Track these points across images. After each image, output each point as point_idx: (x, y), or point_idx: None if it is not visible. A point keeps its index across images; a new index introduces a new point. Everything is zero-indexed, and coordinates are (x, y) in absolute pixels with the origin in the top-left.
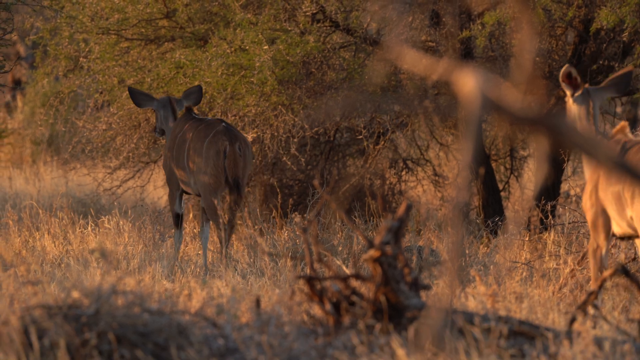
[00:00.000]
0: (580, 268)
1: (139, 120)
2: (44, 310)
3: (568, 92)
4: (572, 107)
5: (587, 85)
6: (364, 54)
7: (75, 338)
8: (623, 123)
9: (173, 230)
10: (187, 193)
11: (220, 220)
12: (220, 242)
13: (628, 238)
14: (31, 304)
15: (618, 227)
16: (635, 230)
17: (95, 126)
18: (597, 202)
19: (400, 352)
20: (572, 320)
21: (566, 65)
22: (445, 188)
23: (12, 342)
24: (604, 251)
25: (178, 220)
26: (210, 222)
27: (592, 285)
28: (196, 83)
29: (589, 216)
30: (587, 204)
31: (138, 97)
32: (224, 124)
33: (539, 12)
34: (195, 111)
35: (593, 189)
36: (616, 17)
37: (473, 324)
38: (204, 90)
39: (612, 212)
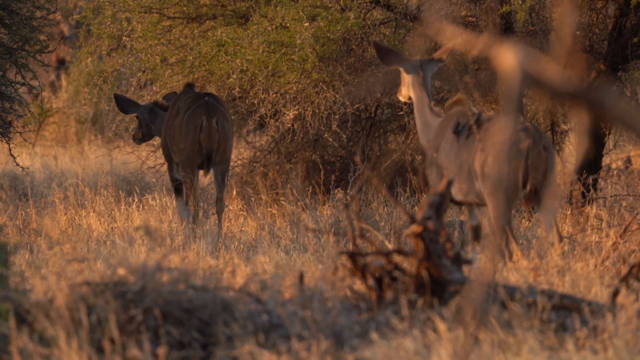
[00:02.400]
0: (622, 241)
1: None
2: (90, 287)
3: (399, 66)
4: (405, 76)
5: (418, 57)
6: (404, 29)
7: (121, 314)
8: (460, 94)
9: (188, 203)
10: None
11: (195, 194)
12: (194, 216)
13: (462, 204)
14: (78, 282)
15: (461, 195)
16: (480, 200)
17: None
18: (438, 168)
19: (442, 326)
20: (615, 293)
21: (373, 43)
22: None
23: (61, 319)
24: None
25: (178, 187)
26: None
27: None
28: (237, 61)
29: (430, 181)
30: (427, 168)
31: (123, 103)
32: (206, 97)
33: None
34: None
35: (434, 154)
36: None
37: (515, 298)
38: (245, 68)
39: (455, 182)
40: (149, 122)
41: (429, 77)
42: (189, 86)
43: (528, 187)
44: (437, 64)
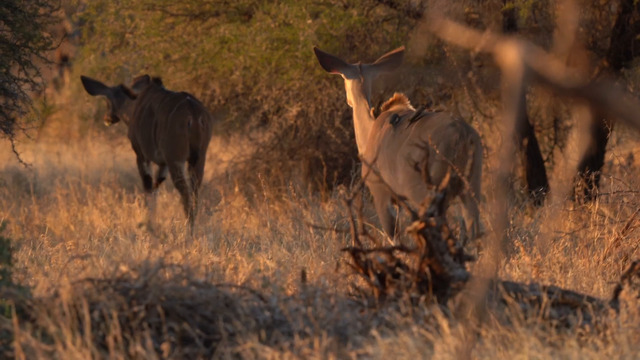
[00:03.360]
0: (625, 237)
1: None
2: (93, 283)
3: (339, 72)
4: (346, 82)
5: (359, 63)
6: (407, 26)
7: (124, 311)
8: (397, 94)
9: (147, 195)
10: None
11: (187, 189)
12: (186, 210)
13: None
14: (80, 278)
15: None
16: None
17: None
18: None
19: (444, 323)
20: (618, 289)
21: (314, 49)
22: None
23: (64, 315)
24: (389, 203)
25: (148, 182)
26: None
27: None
28: (240, 58)
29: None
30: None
31: (90, 85)
32: (188, 97)
33: None
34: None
35: (372, 153)
36: None
37: (517, 294)
38: (248, 65)
39: (385, 176)
40: (115, 105)
41: (369, 82)
42: (157, 81)
43: (457, 181)
44: (379, 70)
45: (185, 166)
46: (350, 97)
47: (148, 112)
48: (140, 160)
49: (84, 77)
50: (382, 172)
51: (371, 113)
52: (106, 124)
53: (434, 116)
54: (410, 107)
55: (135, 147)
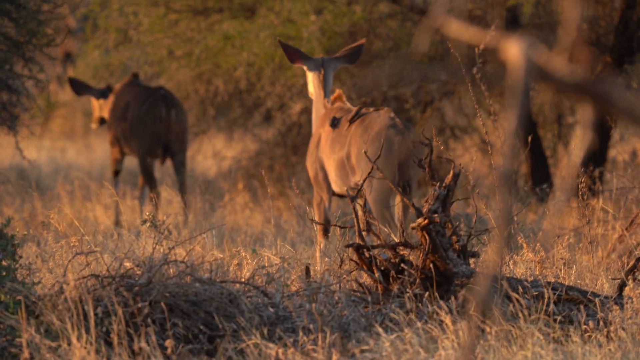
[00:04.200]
0: (628, 234)
1: (188, 91)
2: (97, 280)
3: (302, 64)
4: (308, 74)
5: (321, 55)
6: (411, 23)
7: (128, 307)
8: (338, 91)
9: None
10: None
11: (155, 183)
12: (155, 205)
13: (343, 196)
14: (85, 274)
15: (337, 187)
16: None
17: None
18: (317, 160)
19: (448, 319)
20: (622, 285)
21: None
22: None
23: (68, 311)
24: (327, 204)
25: (117, 176)
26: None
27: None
28: (244, 54)
29: (311, 172)
30: (308, 160)
31: (78, 86)
32: (162, 91)
33: None
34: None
35: (315, 147)
36: None
37: (521, 290)
38: (251, 61)
39: (332, 174)
40: (101, 106)
41: (329, 75)
42: (135, 76)
43: (400, 182)
44: (340, 62)
45: (154, 162)
46: (311, 89)
47: (124, 107)
48: (114, 155)
49: (71, 78)
50: (321, 172)
51: (327, 104)
52: (94, 125)
53: (373, 116)
54: (349, 105)
55: (112, 141)
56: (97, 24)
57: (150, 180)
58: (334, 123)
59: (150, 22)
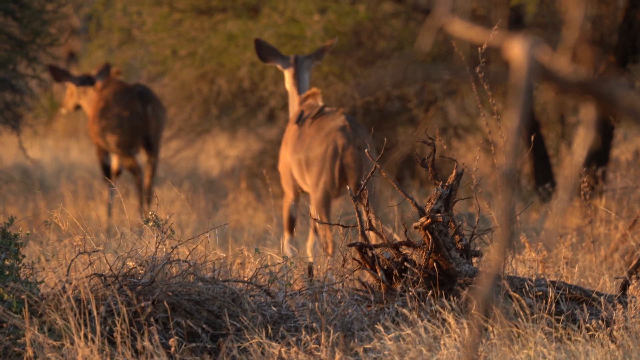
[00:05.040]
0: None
1: (191, 91)
2: (100, 279)
3: (276, 63)
4: (283, 72)
5: (294, 55)
6: (415, 22)
7: (131, 306)
8: (314, 89)
9: (107, 186)
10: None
11: (140, 177)
12: (141, 199)
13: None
14: (87, 274)
15: (303, 185)
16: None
17: None
18: (284, 157)
19: (451, 318)
20: (625, 284)
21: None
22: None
23: (71, 311)
24: (292, 202)
25: (107, 172)
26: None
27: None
28: (247, 53)
29: (280, 168)
30: (280, 161)
31: (58, 73)
32: (140, 88)
33: None
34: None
35: (284, 144)
36: None
37: (523, 289)
38: (254, 60)
39: (295, 172)
40: (80, 93)
41: (302, 73)
42: (107, 68)
43: (348, 185)
44: (313, 60)
45: (135, 156)
46: (286, 86)
47: (105, 102)
48: (99, 152)
49: (51, 65)
50: (287, 169)
51: (300, 100)
52: (63, 111)
53: (330, 117)
54: (320, 103)
55: (94, 138)
56: (100, 24)
57: (135, 175)
58: (299, 120)
59: (154, 22)
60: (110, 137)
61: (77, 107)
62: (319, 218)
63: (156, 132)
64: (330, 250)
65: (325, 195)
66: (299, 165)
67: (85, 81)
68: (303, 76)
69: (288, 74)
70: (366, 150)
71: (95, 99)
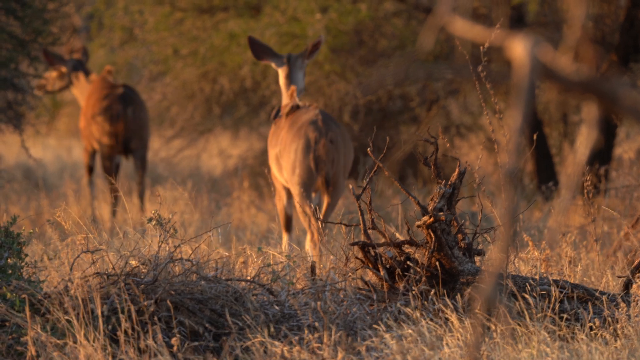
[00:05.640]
0: (634, 231)
1: (193, 90)
2: (103, 278)
3: (270, 61)
4: (277, 69)
5: (288, 53)
6: (416, 21)
7: (134, 305)
8: (292, 87)
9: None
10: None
11: (113, 182)
12: (115, 199)
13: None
14: (90, 272)
15: (283, 180)
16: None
17: (150, 96)
18: (269, 157)
19: (454, 317)
20: (628, 283)
21: (248, 37)
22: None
23: (75, 309)
24: (284, 200)
25: (90, 170)
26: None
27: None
28: (249, 53)
29: (271, 169)
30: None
31: (52, 57)
32: (123, 88)
33: None
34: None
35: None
36: None
37: (526, 288)
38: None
39: (274, 169)
40: (70, 79)
41: (296, 71)
42: (80, 62)
43: (319, 178)
44: (304, 57)
45: (114, 159)
46: (280, 84)
47: (91, 103)
48: (86, 151)
49: (45, 49)
50: (272, 166)
51: (295, 99)
52: (39, 92)
53: (302, 112)
54: (297, 101)
55: (83, 136)
56: (102, 23)
57: (109, 179)
58: (275, 115)
59: (155, 21)
60: (92, 138)
61: (61, 89)
62: (302, 211)
63: (138, 134)
64: (316, 239)
65: (302, 188)
66: (276, 160)
67: (78, 66)
68: (297, 74)
69: (281, 72)
70: (334, 142)
71: (87, 94)
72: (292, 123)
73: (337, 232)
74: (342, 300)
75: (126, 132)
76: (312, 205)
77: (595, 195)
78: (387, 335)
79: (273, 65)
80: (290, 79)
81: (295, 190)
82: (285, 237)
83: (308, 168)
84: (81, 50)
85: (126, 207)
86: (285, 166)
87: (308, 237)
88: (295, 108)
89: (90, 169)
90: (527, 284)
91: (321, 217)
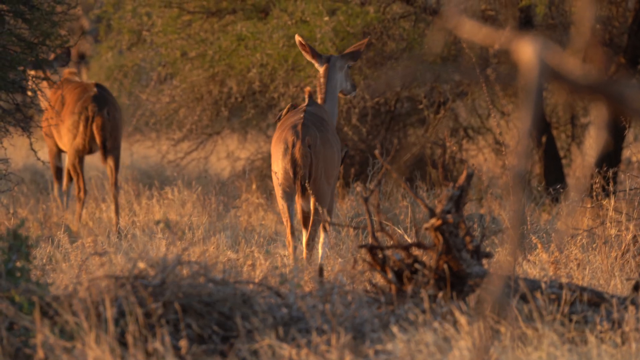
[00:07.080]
0: None
1: (201, 92)
2: (111, 280)
3: (314, 60)
4: (319, 68)
5: (329, 54)
6: (424, 23)
7: (142, 308)
8: (307, 88)
9: (60, 186)
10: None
11: (82, 182)
12: (82, 204)
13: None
14: (98, 275)
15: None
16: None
17: (158, 99)
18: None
19: (462, 320)
20: (637, 285)
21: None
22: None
23: (83, 312)
24: (285, 207)
25: (59, 173)
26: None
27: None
28: (257, 55)
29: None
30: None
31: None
32: (96, 88)
33: None
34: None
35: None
36: None
37: (535, 291)
38: (265, 62)
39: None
40: (57, 69)
41: (333, 72)
42: (67, 52)
43: (296, 182)
44: (345, 60)
45: (83, 160)
46: (320, 80)
47: (62, 102)
48: (51, 152)
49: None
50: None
51: (320, 100)
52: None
53: (291, 114)
54: (306, 102)
55: (51, 136)
56: (110, 25)
57: (77, 180)
58: (279, 117)
59: (163, 23)
60: (62, 140)
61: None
62: (280, 212)
63: (113, 135)
64: (290, 249)
65: (282, 190)
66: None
67: (65, 59)
68: (334, 75)
69: (320, 72)
70: (311, 146)
71: (52, 96)
72: (281, 125)
73: (346, 234)
74: (350, 303)
75: (102, 132)
76: (290, 208)
77: (604, 198)
78: (395, 338)
79: (316, 64)
80: (325, 80)
81: (277, 192)
82: (290, 240)
83: (285, 171)
84: (62, 51)
85: (135, 210)
86: (272, 168)
87: (320, 239)
88: (292, 107)
89: (59, 171)
90: (536, 287)
91: (311, 221)
